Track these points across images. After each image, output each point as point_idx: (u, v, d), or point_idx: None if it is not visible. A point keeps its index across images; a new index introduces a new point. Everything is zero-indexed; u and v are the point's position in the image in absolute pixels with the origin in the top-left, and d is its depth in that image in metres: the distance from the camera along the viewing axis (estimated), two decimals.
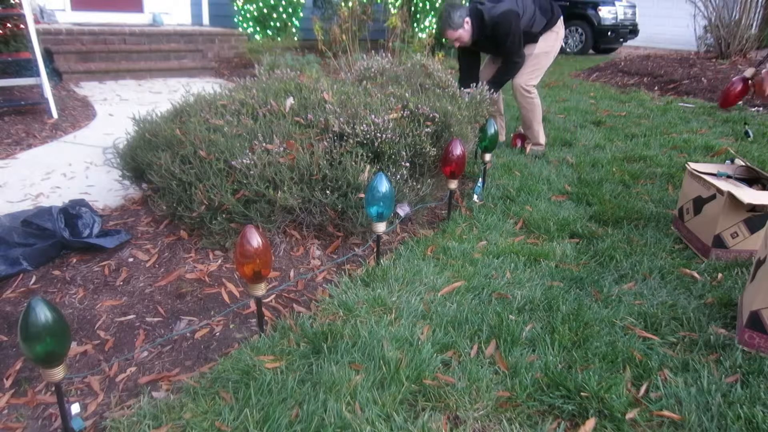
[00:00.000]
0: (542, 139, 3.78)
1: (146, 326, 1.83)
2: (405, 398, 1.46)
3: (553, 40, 3.55)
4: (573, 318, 1.80)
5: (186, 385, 1.52)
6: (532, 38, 3.46)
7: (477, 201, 2.80)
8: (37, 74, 4.21)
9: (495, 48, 3.47)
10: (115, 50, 6.17)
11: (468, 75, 3.65)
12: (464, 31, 3.30)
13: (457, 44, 3.42)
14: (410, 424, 1.38)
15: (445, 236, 2.44)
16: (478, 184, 2.89)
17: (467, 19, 3.26)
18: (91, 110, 4.62)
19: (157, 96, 5.19)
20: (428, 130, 2.62)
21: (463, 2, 7.06)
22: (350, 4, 6.30)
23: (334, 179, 2.29)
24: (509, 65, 3.46)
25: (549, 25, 3.48)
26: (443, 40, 7.87)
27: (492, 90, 3.38)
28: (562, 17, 3.58)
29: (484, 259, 2.23)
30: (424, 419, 1.39)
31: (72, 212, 2.28)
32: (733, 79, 2.73)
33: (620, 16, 10.20)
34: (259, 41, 7.14)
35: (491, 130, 2.78)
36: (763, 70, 2.54)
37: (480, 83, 3.37)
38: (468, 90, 3.32)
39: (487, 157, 2.86)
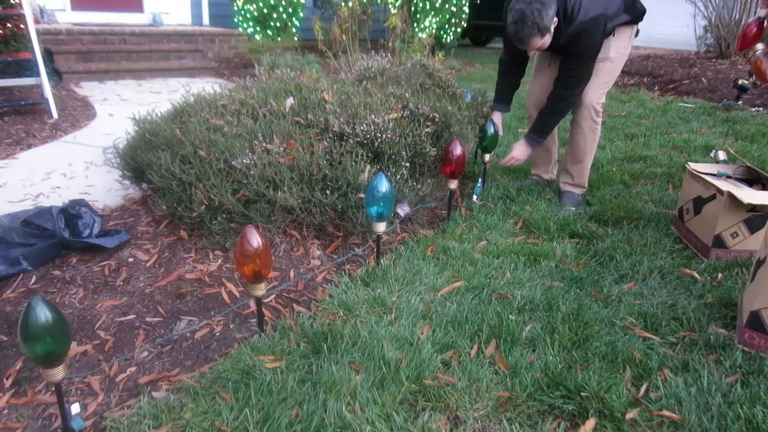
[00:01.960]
0: (585, 181, 2.90)
1: (146, 326, 1.83)
2: (405, 398, 1.46)
3: (628, 38, 2.66)
4: (573, 318, 1.80)
5: (186, 385, 1.52)
6: (604, 35, 2.52)
7: (477, 201, 2.80)
8: (37, 74, 4.21)
9: (561, 60, 2.60)
10: (115, 50, 6.17)
11: (508, 85, 2.88)
12: (549, 36, 2.39)
13: (532, 53, 2.54)
14: (410, 424, 1.38)
15: (445, 236, 2.44)
16: (478, 185, 2.89)
17: (555, 18, 2.36)
18: (91, 110, 4.62)
19: (157, 96, 5.19)
20: (428, 130, 2.62)
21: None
22: (350, 4, 6.30)
23: (334, 179, 2.29)
24: (564, 98, 2.58)
25: (630, 22, 2.61)
26: (442, 38, 7.89)
27: (536, 141, 2.71)
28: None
29: (484, 259, 2.23)
30: (424, 419, 1.39)
31: (72, 212, 2.28)
32: (749, 21, 2.52)
33: None
34: (259, 41, 7.13)
35: (491, 130, 2.77)
36: (758, 51, 2.41)
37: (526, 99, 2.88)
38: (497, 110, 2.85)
39: (487, 157, 2.85)
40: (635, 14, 2.58)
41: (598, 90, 2.63)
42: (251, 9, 6.89)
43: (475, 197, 2.83)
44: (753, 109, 5.05)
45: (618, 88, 6.39)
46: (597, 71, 2.58)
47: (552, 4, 2.31)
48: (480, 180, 2.92)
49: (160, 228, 2.44)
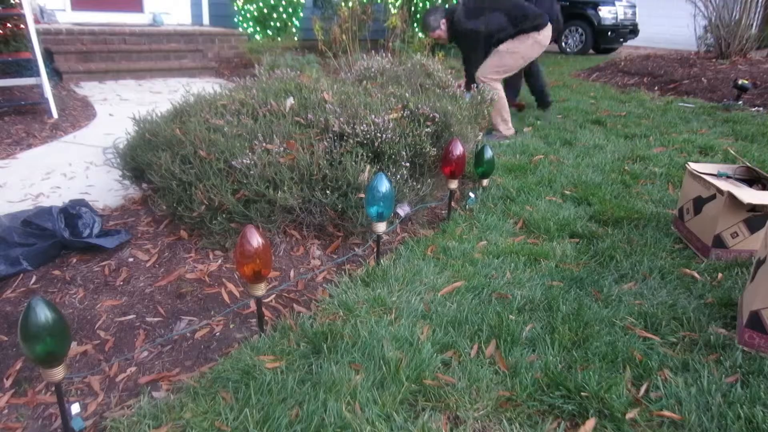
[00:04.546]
0: (503, 129, 4.10)
1: (146, 326, 1.83)
2: (405, 398, 1.46)
3: (523, 43, 3.85)
4: (573, 318, 1.80)
5: (186, 385, 1.52)
6: (499, 41, 3.86)
7: (468, 206, 2.78)
8: (37, 74, 4.21)
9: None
10: (115, 50, 6.17)
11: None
12: (441, 32, 3.95)
13: (440, 41, 4.17)
14: (410, 424, 1.38)
15: (445, 236, 2.44)
16: (471, 196, 2.86)
17: (443, 21, 3.87)
18: (91, 110, 4.62)
19: (157, 96, 5.19)
20: (428, 130, 2.62)
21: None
22: (350, 4, 6.30)
23: (334, 179, 2.29)
24: (466, 62, 4.08)
25: (524, 31, 3.83)
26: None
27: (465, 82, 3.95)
28: (549, 28, 3.88)
29: (484, 259, 2.23)
30: (424, 419, 1.39)
31: (72, 212, 2.28)
32: None
33: (620, 16, 10.20)
34: (259, 41, 7.14)
35: (488, 155, 2.76)
36: None
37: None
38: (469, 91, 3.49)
39: (485, 182, 2.85)
40: (527, 27, 3.80)
41: (484, 68, 3.92)
42: (251, 9, 6.89)
43: (468, 206, 2.80)
44: (753, 109, 5.05)
45: (618, 88, 6.40)
46: (491, 56, 3.90)
47: (435, 13, 3.90)
48: (472, 194, 2.89)
49: (160, 228, 2.44)
